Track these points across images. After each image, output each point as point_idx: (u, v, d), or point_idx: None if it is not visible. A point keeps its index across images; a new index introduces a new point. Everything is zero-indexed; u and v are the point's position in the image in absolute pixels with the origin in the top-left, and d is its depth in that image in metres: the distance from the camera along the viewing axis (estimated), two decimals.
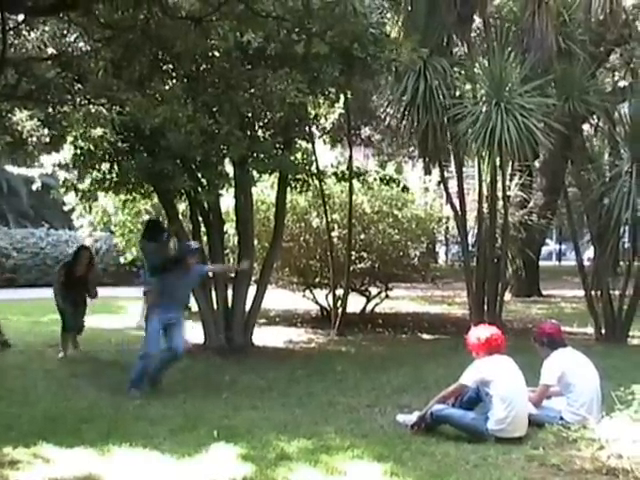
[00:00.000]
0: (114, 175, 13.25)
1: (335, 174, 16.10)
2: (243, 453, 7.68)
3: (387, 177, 16.81)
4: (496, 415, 8.20)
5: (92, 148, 13.11)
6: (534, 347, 9.25)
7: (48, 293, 14.20)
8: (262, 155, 13.03)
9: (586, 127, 19.15)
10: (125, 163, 12.73)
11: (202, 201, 13.75)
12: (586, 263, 16.72)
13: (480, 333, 8.67)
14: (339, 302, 16.69)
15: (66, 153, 13.67)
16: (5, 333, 14.39)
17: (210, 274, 13.27)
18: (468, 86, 14.96)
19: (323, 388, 10.92)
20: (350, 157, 16.48)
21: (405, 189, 17.06)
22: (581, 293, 16.76)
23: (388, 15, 14.39)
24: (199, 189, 13.08)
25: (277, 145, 13.50)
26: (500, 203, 15.51)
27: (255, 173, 13.80)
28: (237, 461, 7.46)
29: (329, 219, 16.43)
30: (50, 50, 11.56)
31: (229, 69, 12.10)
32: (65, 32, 11.48)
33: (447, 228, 19.44)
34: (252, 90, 12.20)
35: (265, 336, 15.34)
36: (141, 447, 7.84)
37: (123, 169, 12.79)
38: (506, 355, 8.61)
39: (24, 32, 11.40)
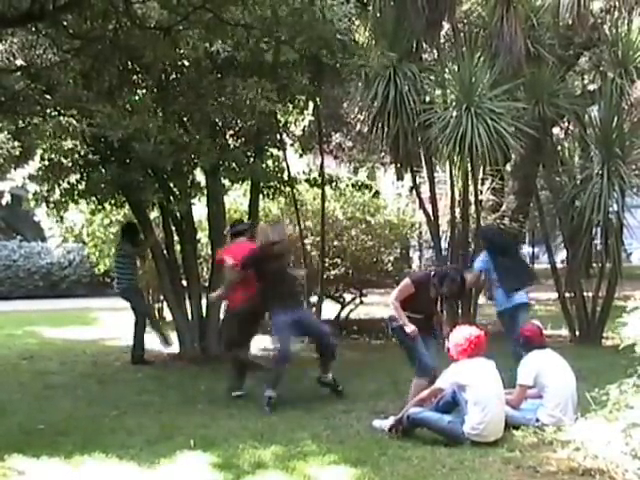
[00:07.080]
0: (83, 185, 13.17)
1: (307, 180, 16.10)
2: (219, 462, 7.67)
3: (359, 183, 16.81)
4: (471, 419, 8.20)
5: (62, 160, 13.05)
6: (509, 350, 9.29)
7: (22, 305, 14.10)
8: (233, 163, 13.04)
9: (556, 130, 19.19)
10: (95, 174, 12.67)
11: (174, 210, 13.72)
12: (559, 265, 16.75)
13: (459, 336, 8.65)
14: (313, 309, 16.67)
15: (36, 165, 13.57)
16: None
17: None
18: (438, 91, 14.97)
19: (299, 395, 10.92)
20: (322, 164, 16.49)
21: (377, 194, 17.09)
22: (555, 295, 16.77)
23: (357, 22, 14.37)
24: (171, 199, 13.06)
25: (248, 153, 13.49)
26: (472, 207, 15.55)
27: (227, 181, 13.79)
28: (213, 470, 7.46)
29: (302, 226, 16.42)
30: (19, 61, 11.50)
31: (199, 78, 12.10)
32: (34, 43, 11.41)
33: (420, 233, 19.44)
34: (222, 99, 12.23)
35: None
36: (117, 458, 7.82)
37: (93, 180, 12.73)
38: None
39: None
